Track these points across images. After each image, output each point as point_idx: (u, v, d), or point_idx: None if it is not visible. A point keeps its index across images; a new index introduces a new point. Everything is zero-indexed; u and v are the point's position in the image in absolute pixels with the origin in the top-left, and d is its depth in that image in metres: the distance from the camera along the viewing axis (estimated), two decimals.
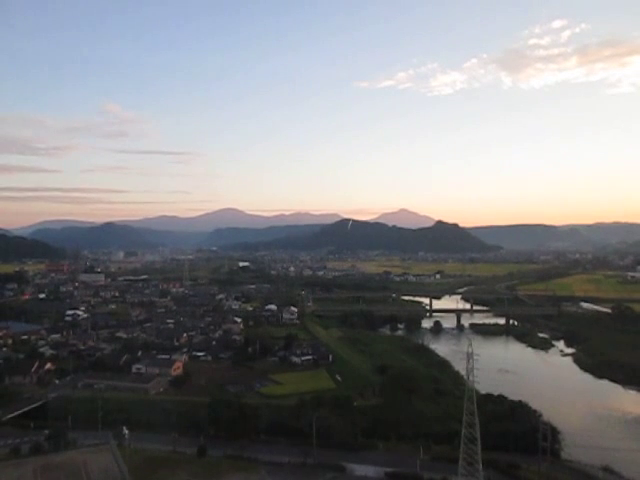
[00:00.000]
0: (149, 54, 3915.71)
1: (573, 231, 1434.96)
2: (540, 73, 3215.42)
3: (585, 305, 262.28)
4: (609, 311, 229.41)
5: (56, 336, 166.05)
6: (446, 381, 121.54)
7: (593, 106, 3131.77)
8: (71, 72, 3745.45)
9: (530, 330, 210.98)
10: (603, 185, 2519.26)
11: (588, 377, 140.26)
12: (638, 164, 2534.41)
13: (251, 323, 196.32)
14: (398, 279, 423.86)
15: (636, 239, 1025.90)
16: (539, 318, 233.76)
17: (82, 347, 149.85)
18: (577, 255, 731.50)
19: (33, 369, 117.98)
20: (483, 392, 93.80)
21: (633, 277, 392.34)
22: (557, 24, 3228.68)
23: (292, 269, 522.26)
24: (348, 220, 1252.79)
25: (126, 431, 77.18)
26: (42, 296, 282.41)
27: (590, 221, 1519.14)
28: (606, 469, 74.19)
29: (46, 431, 77.17)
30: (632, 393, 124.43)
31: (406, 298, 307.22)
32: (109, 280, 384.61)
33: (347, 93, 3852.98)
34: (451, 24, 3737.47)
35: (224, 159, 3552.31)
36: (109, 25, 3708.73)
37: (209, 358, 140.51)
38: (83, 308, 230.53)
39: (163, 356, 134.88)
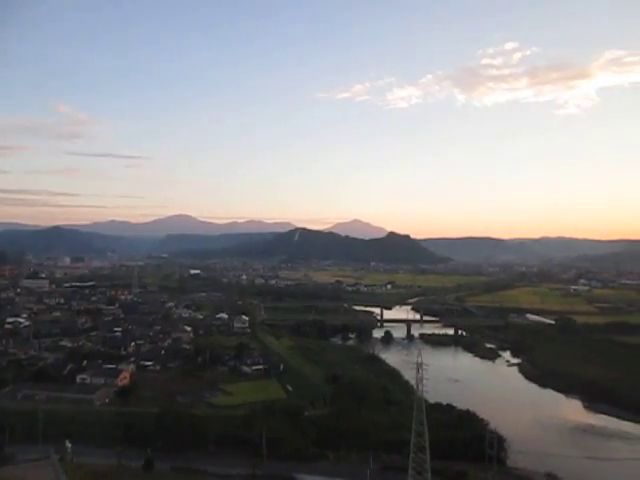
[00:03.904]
0: (103, 55, 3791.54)
1: (520, 244, 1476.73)
2: (492, 92, 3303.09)
3: (530, 317, 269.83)
4: (553, 322, 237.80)
5: None
6: (396, 390, 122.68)
7: (541, 125, 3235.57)
8: (22, 70, 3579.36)
9: (478, 340, 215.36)
10: (549, 200, 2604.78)
11: (533, 386, 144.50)
12: (581, 181, 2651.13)
13: (201, 332, 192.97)
14: (350, 289, 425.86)
15: (579, 253, 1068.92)
16: (487, 329, 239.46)
17: (23, 356, 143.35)
18: (523, 268, 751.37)
19: None
20: (432, 401, 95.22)
21: (575, 290, 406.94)
22: (509, 46, 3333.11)
23: (244, 277, 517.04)
24: (302, 229, 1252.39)
25: (69, 445, 74.08)
26: None
27: (536, 235, 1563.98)
28: (550, 475, 76.70)
29: None
30: (574, 402, 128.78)
31: (358, 308, 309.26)
32: (54, 286, 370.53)
33: (304, 102, 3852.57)
34: (408, 40, 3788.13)
35: (178, 164, 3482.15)
36: (62, 24, 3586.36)
37: (157, 368, 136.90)
38: (25, 315, 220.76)
39: (109, 366, 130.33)
